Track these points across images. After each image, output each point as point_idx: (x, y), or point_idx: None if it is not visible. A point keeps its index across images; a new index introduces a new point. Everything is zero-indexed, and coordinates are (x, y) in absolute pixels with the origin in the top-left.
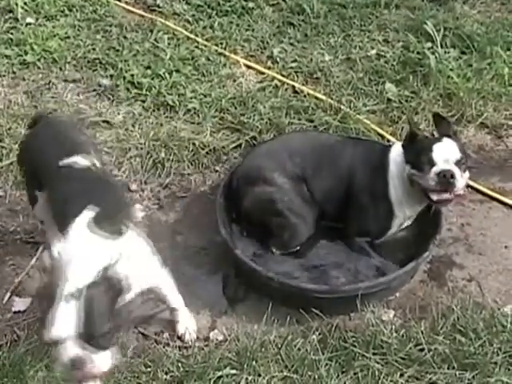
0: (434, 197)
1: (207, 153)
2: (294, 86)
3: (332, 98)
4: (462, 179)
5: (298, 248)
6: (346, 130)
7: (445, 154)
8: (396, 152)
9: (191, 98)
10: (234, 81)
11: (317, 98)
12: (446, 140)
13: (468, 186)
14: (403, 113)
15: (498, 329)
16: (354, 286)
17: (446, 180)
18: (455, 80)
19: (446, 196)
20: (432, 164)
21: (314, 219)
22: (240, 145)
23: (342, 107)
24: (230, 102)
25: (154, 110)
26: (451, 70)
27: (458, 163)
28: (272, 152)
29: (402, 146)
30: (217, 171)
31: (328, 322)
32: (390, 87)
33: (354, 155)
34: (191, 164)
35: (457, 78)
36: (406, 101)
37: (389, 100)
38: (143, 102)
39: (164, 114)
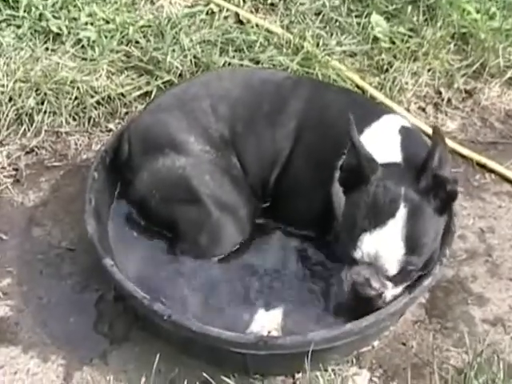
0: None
1: (99, 103)
2: (237, 14)
3: (292, 32)
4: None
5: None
6: (308, 76)
7: (375, 252)
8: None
9: (86, 24)
10: (153, 2)
11: (269, 30)
12: (390, 226)
13: (491, 170)
14: (396, 58)
15: None
16: (298, 339)
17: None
18: (474, 16)
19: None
20: (353, 262)
21: (249, 213)
22: (149, 92)
23: (306, 44)
24: (141, 32)
25: (30, 40)
26: (468, 1)
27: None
28: (186, 101)
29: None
30: (110, 130)
31: None
32: (377, 20)
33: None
34: (73, 118)
35: (476, 13)
36: (402, 41)
37: (375, 39)
38: (18, 27)
39: (44, 44)
